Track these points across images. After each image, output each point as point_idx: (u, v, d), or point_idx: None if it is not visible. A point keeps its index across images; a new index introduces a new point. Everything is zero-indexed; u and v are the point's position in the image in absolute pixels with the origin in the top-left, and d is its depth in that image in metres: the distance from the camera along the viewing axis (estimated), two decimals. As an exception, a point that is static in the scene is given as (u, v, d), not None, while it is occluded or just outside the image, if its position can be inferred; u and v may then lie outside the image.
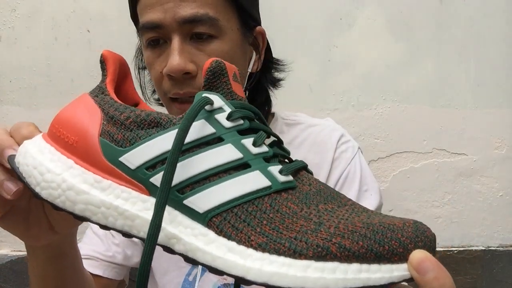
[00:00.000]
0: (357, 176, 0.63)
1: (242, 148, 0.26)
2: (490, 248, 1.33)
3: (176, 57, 0.51)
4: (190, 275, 0.62)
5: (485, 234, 1.34)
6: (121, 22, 1.19)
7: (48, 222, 0.38)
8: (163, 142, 0.26)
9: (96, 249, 0.63)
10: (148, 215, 0.26)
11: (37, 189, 0.28)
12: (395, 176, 1.31)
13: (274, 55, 0.67)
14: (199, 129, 0.26)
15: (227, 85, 0.28)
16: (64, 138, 0.29)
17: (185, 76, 0.52)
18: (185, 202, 0.25)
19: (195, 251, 0.25)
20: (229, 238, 0.24)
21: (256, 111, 0.29)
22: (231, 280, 0.61)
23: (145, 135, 0.27)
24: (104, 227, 0.27)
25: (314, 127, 0.67)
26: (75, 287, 0.47)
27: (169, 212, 0.26)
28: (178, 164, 0.25)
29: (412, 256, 0.22)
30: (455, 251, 1.32)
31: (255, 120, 0.29)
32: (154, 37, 0.53)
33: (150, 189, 0.26)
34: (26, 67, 1.20)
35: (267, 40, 0.63)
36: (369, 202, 0.61)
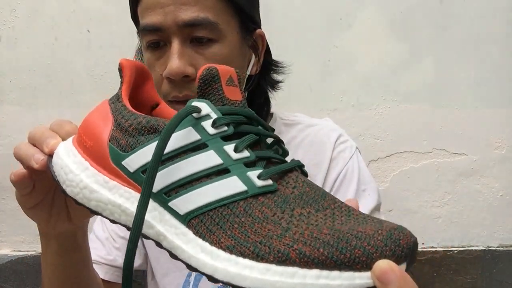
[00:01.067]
0: (355, 175, 0.63)
1: (223, 154, 0.27)
2: (490, 248, 1.34)
3: (175, 60, 0.51)
4: (191, 276, 0.62)
5: (485, 234, 1.34)
6: (121, 22, 1.19)
7: (67, 214, 0.42)
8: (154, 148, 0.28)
9: (97, 253, 0.64)
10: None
11: (64, 186, 0.32)
12: (395, 176, 1.31)
13: (274, 56, 0.67)
14: (186, 136, 0.28)
15: (218, 91, 0.29)
16: (83, 142, 0.33)
17: (184, 79, 0.52)
18: (170, 204, 0.28)
19: (176, 249, 0.27)
20: (203, 239, 0.26)
21: (249, 114, 0.30)
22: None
23: (144, 140, 0.30)
24: (113, 221, 0.30)
25: (313, 127, 0.67)
26: (86, 282, 0.48)
27: (160, 212, 0.28)
28: (166, 169, 0.28)
29: (376, 265, 0.22)
30: (455, 251, 1.33)
31: (245, 124, 0.29)
32: (154, 40, 0.53)
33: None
34: (26, 67, 1.20)
35: (267, 43, 0.63)
36: (367, 202, 0.61)
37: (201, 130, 0.28)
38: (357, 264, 0.22)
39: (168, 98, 0.54)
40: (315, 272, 0.23)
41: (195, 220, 0.27)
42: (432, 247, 1.34)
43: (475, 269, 1.33)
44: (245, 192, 0.26)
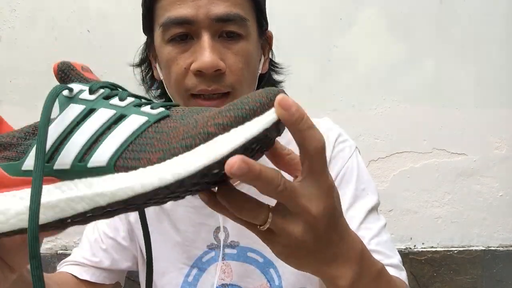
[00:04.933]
0: (354, 175, 0.63)
1: (113, 107, 0.31)
2: (490, 248, 1.34)
3: (208, 53, 0.51)
4: (189, 276, 0.62)
5: (485, 234, 1.34)
6: (121, 22, 1.19)
7: (7, 265, 0.38)
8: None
9: (83, 255, 0.65)
10: (67, 194, 0.29)
11: None
12: (395, 176, 1.31)
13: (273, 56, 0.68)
14: (70, 112, 0.31)
15: (79, 75, 0.34)
16: None
17: (215, 73, 0.52)
18: (89, 165, 0.29)
19: (114, 195, 0.28)
20: (136, 169, 0.28)
21: (115, 84, 0.33)
22: (229, 281, 0.61)
23: (32, 143, 0.32)
24: (42, 227, 0.29)
25: None
26: None
27: (85, 184, 0.29)
28: (68, 143, 0.30)
29: (276, 101, 0.28)
30: (455, 251, 1.33)
31: (113, 88, 0.33)
32: (180, 33, 0.53)
33: (57, 176, 0.30)
34: (26, 67, 1.20)
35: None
36: (366, 201, 0.61)
37: (82, 101, 0.31)
38: (257, 110, 0.28)
39: (192, 91, 0.54)
40: (233, 131, 0.27)
41: (119, 162, 0.29)
42: (432, 247, 1.34)
43: (475, 269, 1.33)
44: (148, 121, 0.30)
